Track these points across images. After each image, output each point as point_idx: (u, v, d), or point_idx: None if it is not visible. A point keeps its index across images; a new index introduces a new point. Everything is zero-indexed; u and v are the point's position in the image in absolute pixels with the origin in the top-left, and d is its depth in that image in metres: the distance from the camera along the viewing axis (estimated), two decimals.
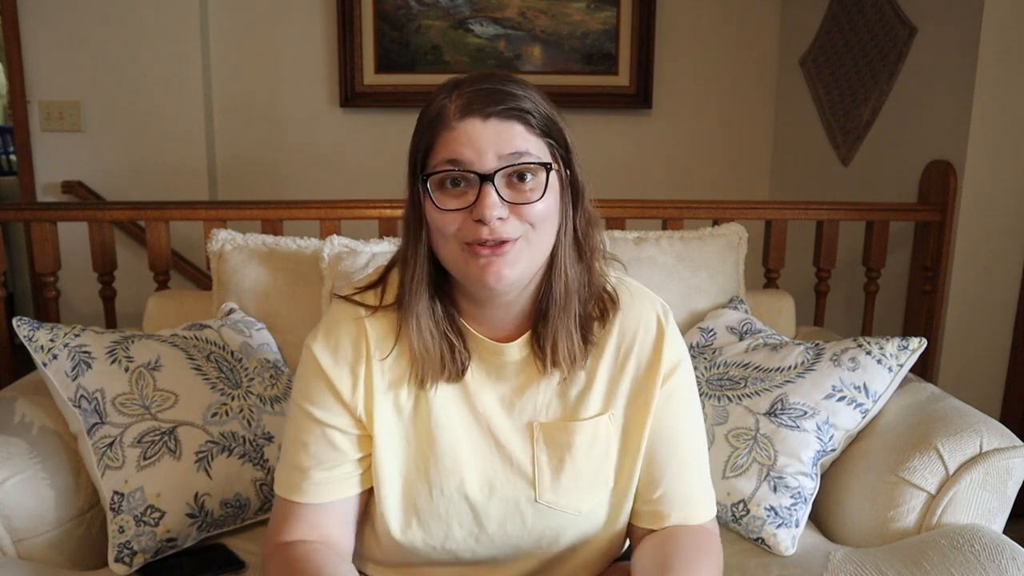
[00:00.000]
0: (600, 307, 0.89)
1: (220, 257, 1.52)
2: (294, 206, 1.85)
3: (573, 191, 0.84)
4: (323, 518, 0.88)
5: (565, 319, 0.84)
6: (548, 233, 0.81)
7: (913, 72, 2.12)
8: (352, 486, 0.88)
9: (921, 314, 2.02)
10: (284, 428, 0.93)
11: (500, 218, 0.76)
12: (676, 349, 0.91)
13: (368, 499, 0.92)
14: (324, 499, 0.87)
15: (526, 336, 0.87)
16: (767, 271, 1.93)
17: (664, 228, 1.85)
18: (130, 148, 2.71)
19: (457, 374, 0.86)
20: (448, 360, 0.85)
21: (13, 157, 4.52)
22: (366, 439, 0.88)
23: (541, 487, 0.87)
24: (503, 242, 0.77)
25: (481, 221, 0.76)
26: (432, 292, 0.84)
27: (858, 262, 2.04)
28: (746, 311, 1.51)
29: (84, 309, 2.56)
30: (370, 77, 2.81)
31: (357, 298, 0.90)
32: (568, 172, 0.83)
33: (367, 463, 0.89)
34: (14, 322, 1.22)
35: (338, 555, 0.87)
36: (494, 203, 0.75)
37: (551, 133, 0.80)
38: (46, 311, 1.84)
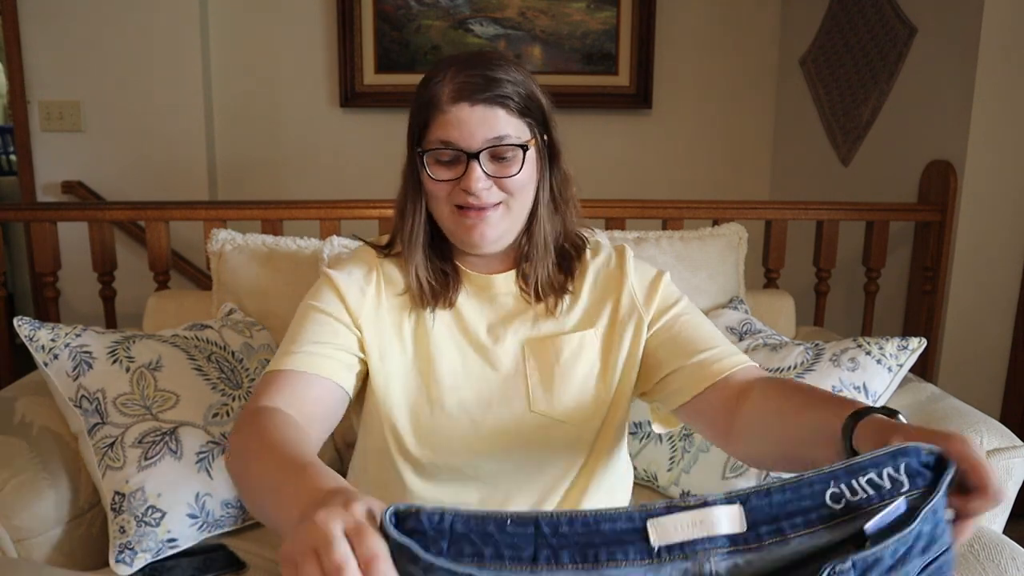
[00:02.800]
0: (576, 245, 1.04)
1: (220, 257, 1.52)
2: (294, 206, 1.85)
3: (551, 152, 0.97)
4: (303, 389, 0.87)
5: (545, 260, 0.98)
6: (526, 199, 0.95)
7: (913, 72, 2.12)
8: (336, 370, 0.91)
9: (921, 314, 2.02)
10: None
11: (485, 188, 0.91)
12: (646, 269, 1.04)
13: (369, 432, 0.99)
14: (308, 368, 0.89)
15: (512, 272, 1.00)
16: (767, 271, 1.93)
17: (664, 228, 1.85)
18: (130, 148, 2.71)
19: (451, 302, 0.99)
20: (441, 287, 0.98)
21: (13, 157, 4.52)
22: (360, 349, 0.96)
23: (534, 397, 0.96)
24: (486, 207, 0.91)
25: (468, 191, 0.90)
26: (427, 239, 0.98)
27: (858, 262, 2.05)
28: (746, 311, 1.51)
29: (84, 309, 2.56)
30: (370, 77, 2.81)
31: (371, 241, 1.06)
32: (546, 137, 0.96)
33: (355, 366, 0.94)
34: (15, 322, 1.22)
35: (307, 429, 0.83)
36: (479, 177, 0.90)
37: (530, 111, 0.93)
38: (46, 311, 1.84)
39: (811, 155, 2.68)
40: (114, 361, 1.22)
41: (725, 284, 1.56)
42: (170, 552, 1.16)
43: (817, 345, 1.33)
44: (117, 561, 1.12)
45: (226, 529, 1.23)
